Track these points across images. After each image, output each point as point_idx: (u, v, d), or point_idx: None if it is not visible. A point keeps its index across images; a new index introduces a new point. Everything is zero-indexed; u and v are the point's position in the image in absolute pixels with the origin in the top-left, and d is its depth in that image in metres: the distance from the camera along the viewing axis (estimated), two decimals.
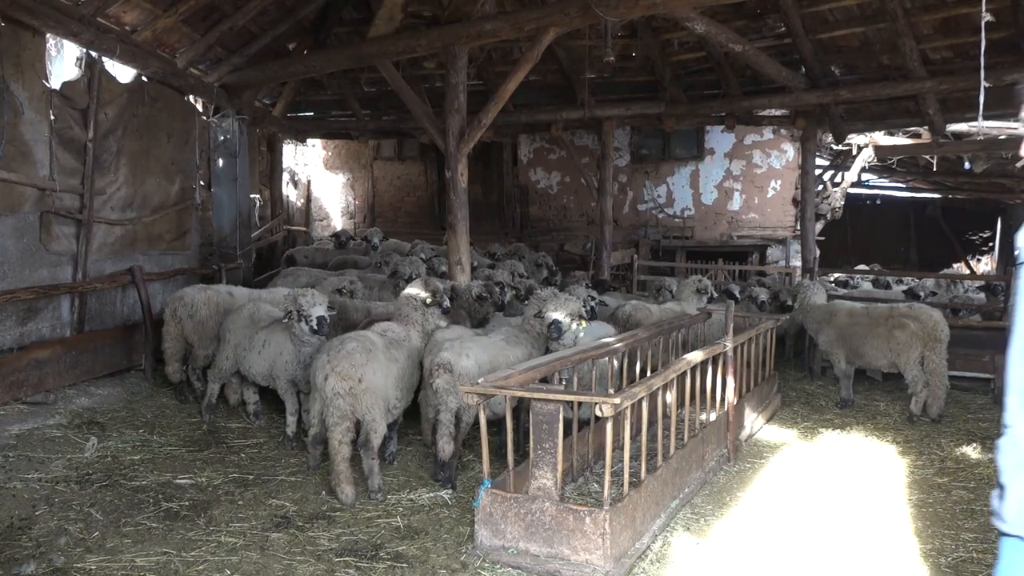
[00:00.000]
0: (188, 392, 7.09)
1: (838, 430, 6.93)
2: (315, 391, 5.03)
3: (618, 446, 4.65)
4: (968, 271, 18.26)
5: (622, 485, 4.24)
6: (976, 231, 19.12)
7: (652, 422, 5.10)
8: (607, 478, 4.04)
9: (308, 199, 18.74)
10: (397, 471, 5.53)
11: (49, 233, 7.31)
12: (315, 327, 5.61)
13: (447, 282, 7.32)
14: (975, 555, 4.31)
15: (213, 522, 4.48)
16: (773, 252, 14.56)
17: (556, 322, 5.67)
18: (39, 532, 4.23)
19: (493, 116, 7.87)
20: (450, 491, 5.11)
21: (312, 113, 14.62)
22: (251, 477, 5.27)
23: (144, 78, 8.71)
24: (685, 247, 15.01)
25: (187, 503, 4.75)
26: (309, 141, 17.22)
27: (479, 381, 4.33)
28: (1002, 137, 11.60)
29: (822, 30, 10.12)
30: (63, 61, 8.86)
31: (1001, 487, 2.06)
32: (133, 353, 7.55)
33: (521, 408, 5.51)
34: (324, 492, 5.04)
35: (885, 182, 17.97)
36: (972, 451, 6.18)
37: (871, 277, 12.57)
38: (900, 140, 13.74)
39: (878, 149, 14.26)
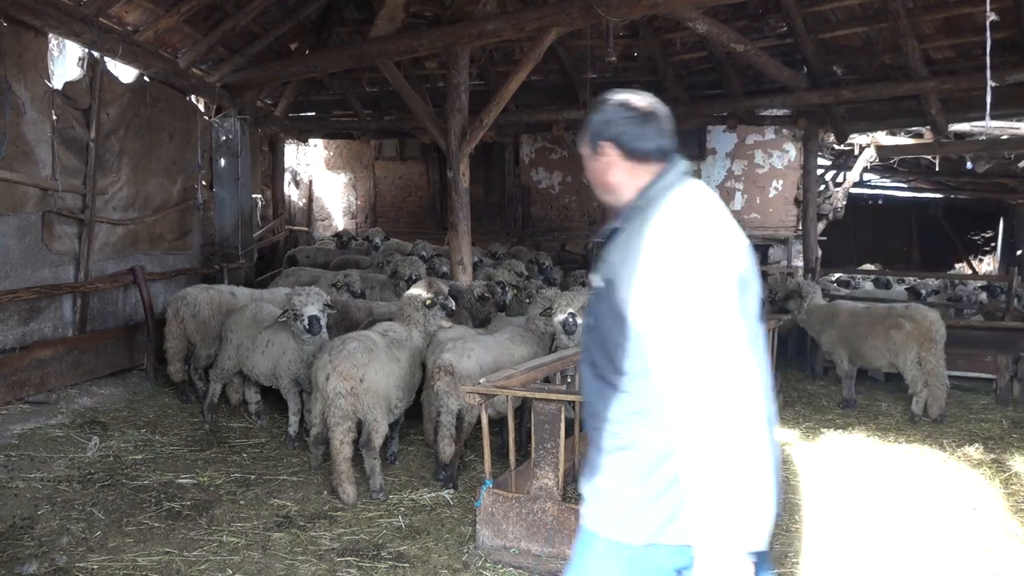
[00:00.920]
0: (190, 392, 7.09)
1: (840, 430, 6.93)
2: (317, 391, 5.03)
3: None
4: (970, 271, 18.23)
5: None
6: (978, 231, 19.10)
7: None
8: None
9: (310, 199, 18.75)
10: (399, 471, 5.54)
11: (51, 233, 7.32)
12: (306, 326, 5.60)
13: (449, 282, 7.33)
14: (978, 556, 4.31)
15: (215, 522, 4.49)
16: (775, 252, 14.55)
17: (572, 315, 5.66)
18: (41, 531, 4.24)
19: (495, 116, 7.87)
20: (452, 491, 5.12)
21: (314, 113, 14.63)
22: (253, 477, 5.27)
23: (146, 78, 8.71)
24: None
25: (189, 503, 4.76)
26: (311, 141, 17.23)
27: (481, 381, 4.33)
28: (1005, 137, 11.60)
29: (824, 30, 10.11)
30: (65, 61, 8.87)
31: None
32: (135, 353, 7.55)
33: (524, 408, 5.51)
34: (326, 492, 5.04)
35: (887, 182, 17.94)
36: (974, 452, 6.17)
37: (872, 277, 12.54)
38: (902, 140, 13.73)
39: (880, 149, 14.24)
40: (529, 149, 16.39)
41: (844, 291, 10.65)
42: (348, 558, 4.09)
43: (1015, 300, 9.04)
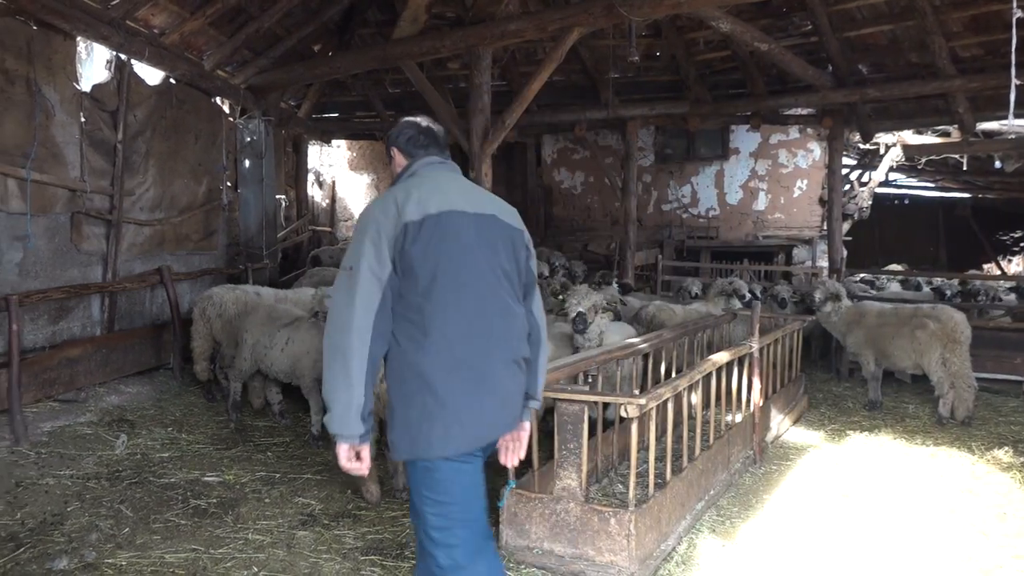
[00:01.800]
0: (216, 391, 7.17)
1: (866, 432, 6.86)
2: None
3: (643, 447, 4.63)
4: (999, 272, 17.98)
5: (647, 486, 4.22)
6: (1007, 231, 18.83)
7: (677, 423, 5.08)
8: (632, 479, 4.03)
9: (333, 199, 18.85)
10: None
11: (80, 233, 7.43)
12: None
13: None
14: (1007, 560, 4.25)
15: (240, 520, 4.53)
16: (799, 252, 14.43)
17: (580, 314, 5.71)
18: (71, 528, 4.30)
19: (517, 116, 7.87)
20: None
21: (337, 114, 14.72)
22: (277, 475, 5.31)
23: (172, 80, 8.82)
24: (710, 247, 14.92)
25: (215, 500, 4.81)
26: (334, 142, 17.33)
27: None
28: None
29: (849, 28, 10.02)
30: (93, 64, 9.00)
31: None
32: (162, 352, 7.64)
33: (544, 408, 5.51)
34: (350, 491, 5.07)
35: (914, 181, 17.76)
36: (1003, 455, 6.09)
37: (899, 277, 12.41)
38: (929, 139, 13.58)
39: (906, 148, 14.10)
40: (551, 149, 16.38)
41: (871, 292, 10.54)
42: (372, 557, 4.10)
43: None
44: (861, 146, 14.51)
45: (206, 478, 5.19)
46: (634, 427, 4.02)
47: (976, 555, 4.32)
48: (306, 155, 15.10)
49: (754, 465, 5.79)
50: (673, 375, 5.90)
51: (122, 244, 7.93)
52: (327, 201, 18.67)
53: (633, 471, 4.03)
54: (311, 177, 16.50)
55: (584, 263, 12.89)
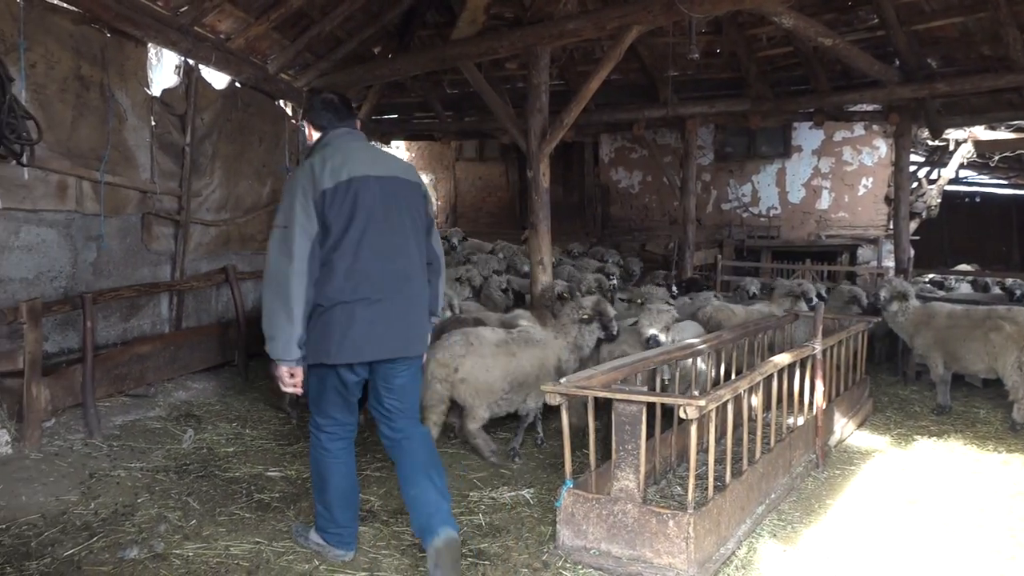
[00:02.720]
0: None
1: (934, 438, 6.66)
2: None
3: (702, 449, 4.59)
4: None
5: (706, 489, 4.17)
6: None
7: (737, 425, 5.01)
8: (691, 481, 3.98)
9: None
10: (480, 467, 5.58)
11: (150, 234, 7.67)
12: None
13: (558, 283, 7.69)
14: None
15: (302, 514, 4.61)
16: (864, 252, 14.09)
17: (654, 337, 5.92)
18: (141, 519, 4.44)
19: (575, 116, 7.84)
20: (531, 490, 5.12)
21: (396, 115, 14.88)
22: None
23: (237, 84, 9.03)
24: (771, 247, 14.67)
25: (277, 495, 4.91)
26: (393, 143, 17.53)
27: (562, 381, 4.34)
28: None
29: (918, 21, 9.73)
30: (162, 69, 9.27)
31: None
32: (227, 349, 7.83)
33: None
34: None
35: (985, 179, 17.18)
36: None
37: (969, 278, 12.01)
38: (1002, 135, 13.11)
39: (978, 144, 13.66)
40: (609, 148, 16.30)
41: (940, 292, 10.22)
42: None
43: None
44: (930, 142, 14.08)
45: (269, 473, 5.30)
46: (693, 429, 3.98)
47: None
48: None
49: (817, 469, 5.67)
50: (733, 376, 5.82)
51: (189, 244, 8.15)
52: None
53: (692, 473, 3.99)
54: None
55: (641, 261, 12.81)
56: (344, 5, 9.29)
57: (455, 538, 3.69)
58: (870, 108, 12.22)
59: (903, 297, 7.77)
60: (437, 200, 19.11)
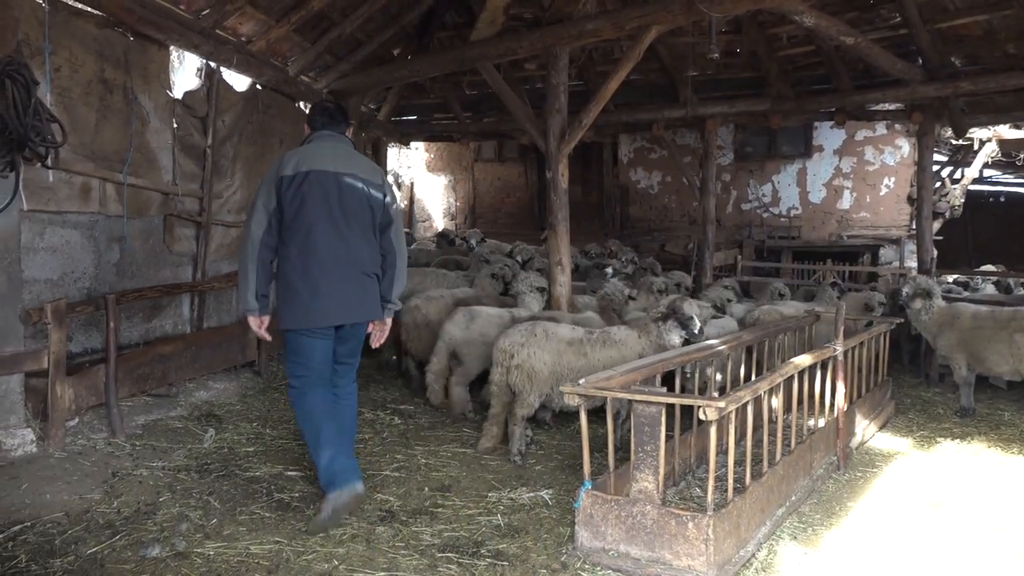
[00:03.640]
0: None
1: (958, 440, 6.59)
2: None
3: (722, 451, 4.56)
4: None
5: (726, 491, 4.15)
6: None
7: (757, 427, 4.98)
8: (711, 483, 3.97)
9: (411, 200, 19.13)
10: (498, 468, 5.58)
11: (172, 235, 7.73)
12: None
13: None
14: None
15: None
16: (886, 253, 13.96)
17: (692, 320, 5.90)
18: (163, 517, 4.48)
19: (594, 116, 7.82)
20: (549, 491, 5.12)
21: (415, 117, 14.94)
22: None
23: (258, 86, 9.09)
24: (791, 247, 14.57)
25: (297, 495, 4.94)
26: (412, 144, 17.60)
27: (580, 382, 4.33)
28: None
29: (941, 19, 9.61)
30: (184, 72, 9.36)
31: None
32: (247, 349, 7.88)
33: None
34: (427, 488, 5.14)
35: (1010, 178, 16.95)
36: None
37: (993, 279, 11.86)
38: None
39: (1003, 143, 13.48)
40: (628, 149, 16.26)
41: (965, 293, 10.10)
42: (448, 554, 4.15)
43: None
44: (953, 142, 13.92)
45: (289, 472, 5.33)
46: (713, 430, 3.96)
47: None
48: (385, 157, 15.36)
49: (838, 471, 5.63)
50: (753, 377, 5.79)
51: (211, 245, 8.21)
52: (405, 202, 18.97)
53: (712, 475, 3.97)
54: (390, 178, 16.77)
55: (659, 262, 12.76)
56: (364, 7, 9.33)
57: (361, 491, 4.52)
58: (892, 107, 12.08)
59: (927, 295, 7.68)
60: (456, 201, 19.16)
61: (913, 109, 11.36)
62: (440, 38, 11.87)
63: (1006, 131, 13.07)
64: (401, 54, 11.52)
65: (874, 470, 5.78)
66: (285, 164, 4.44)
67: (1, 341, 5.11)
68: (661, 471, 4.03)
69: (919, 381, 8.84)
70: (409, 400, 7.47)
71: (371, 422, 6.70)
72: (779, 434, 4.88)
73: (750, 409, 4.44)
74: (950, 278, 11.55)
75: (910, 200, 13.68)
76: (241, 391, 7.32)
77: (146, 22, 6.87)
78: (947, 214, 14.27)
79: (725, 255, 13.72)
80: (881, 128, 13.98)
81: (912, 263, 12.67)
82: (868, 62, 10.22)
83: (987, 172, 15.52)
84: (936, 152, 13.38)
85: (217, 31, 7.97)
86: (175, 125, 7.68)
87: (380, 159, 14.87)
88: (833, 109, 11.89)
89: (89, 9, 6.47)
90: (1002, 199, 18.50)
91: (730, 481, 4.14)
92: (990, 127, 12.78)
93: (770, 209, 14.99)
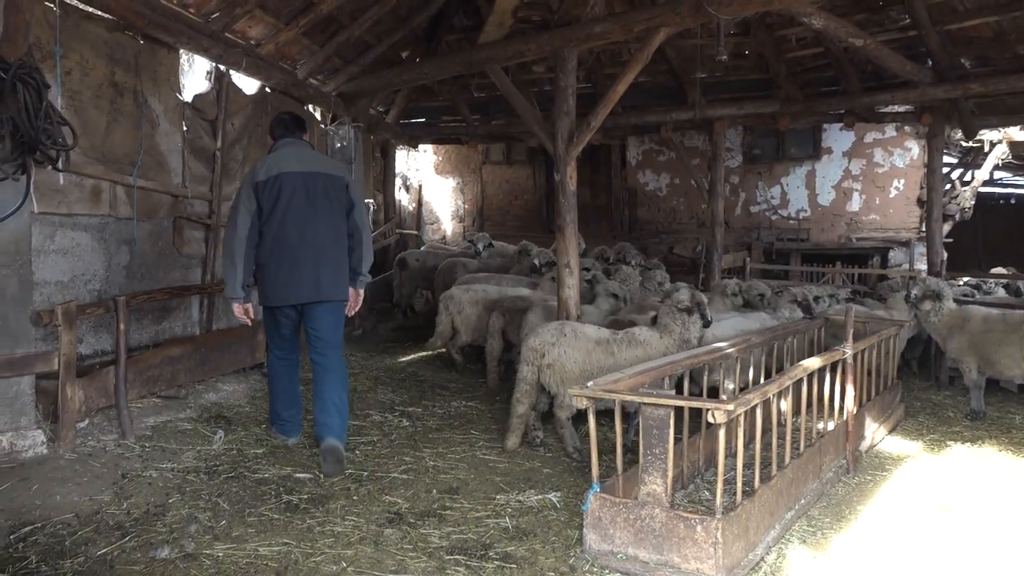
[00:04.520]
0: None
1: (968, 443, 6.55)
2: None
3: (730, 454, 4.55)
4: None
5: (734, 494, 4.14)
6: None
7: (766, 430, 4.96)
8: (719, 486, 3.96)
9: (419, 203, 19.14)
10: (506, 470, 5.58)
11: (181, 237, 7.77)
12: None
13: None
14: None
15: (330, 516, 4.65)
16: (896, 255, 13.90)
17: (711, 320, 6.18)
18: (172, 519, 4.49)
19: (602, 119, 7.81)
20: (557, 493, 5.12)
21: (424, 119, 14.95)
22: (365, 474, 5.43)
23: (267, 89, 9.13)
24: (800, 250, 14.52)
25: (306, 497, 4.95)
26: (420, 146, 17.60)
27: (588, 385, 4.33)
28: None
29: (950, 21, 9.56)
30: (193, 75, 9.40)
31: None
32: (256, 351, 7.90)
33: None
34: (435, 491, 5.15)
35: (1021, 180, 16.86)
36: None
37: (1003, 281, 11.79)
38: None
39: (1013, 145, 13.41)
40: (636, 151, 16.25)
41: (977, 295, 10.04)
42: (456, 556, 4.15)
43: None
44: (963, 144, 13.84)
45: (297, 475, 5.34)
46: (721, 433, 3.95)
47: None
48: (394, 160, 15.40)
49: (847, 475, 5.61)
50: (762, 380, 5.77)
51: (220, 247, 8.23)
52: (414, 205, 18.98)
53: (720, 478, 3.97)
54: (398, 181, 16.81)
55: (667, 264, 12.71)
56: (373, 10, 9.36)
57: (339, 446, 5.36)
58: (902, 109, 12.03)
59: (936, 296, 7.64)
60: (464, 204, 19.17)
61: (923, 111, 11.30)
62: (448, 41, 11.89)
63: (1017, 133, 12.98)
64: (409, 57, 11.54)
65: (884, 473, 5.75)
66: (258, 171, 5.36)
67: (12, 343, 5.14)
68: (670, 474, 4.02)
69: (929, 384, 8.80)
70: (417, 403, 7.48)
71: (379, 424, 6.70)
72: (788, 437, 4.86)
73: (759, 412, 4.43)
74: (960, 280, 11.49)
75: (920, 202, 13.62)
76: (250, 393, 7.33)
77: (156, 25, 6.91)
78: (957, 216, 14.20)
79: (734, 257, 13.68)
80: (890, 130, 13.93)
81: (922, 266, 12.61)
82: (877, 64, 10.19)
83: (997, 174, 15.42)
84: (946, 154, 13.30)
85: (226, 34, 8.00)
86: (185, 128, 7.72)
87: (389, 161, 14.93)
88: (842, 111, 11.84)
89: (100, 13, 6.51)
90: (1012, 201, 18.39)
91: (739, 484, 4.13)
92: (1000, 129, 12.70)
93: (779, 211, 14.95)
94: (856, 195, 14.35)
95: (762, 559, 4.16)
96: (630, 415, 5.76)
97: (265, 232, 5.31)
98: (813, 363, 5.19)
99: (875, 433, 6.47)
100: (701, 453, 5.35)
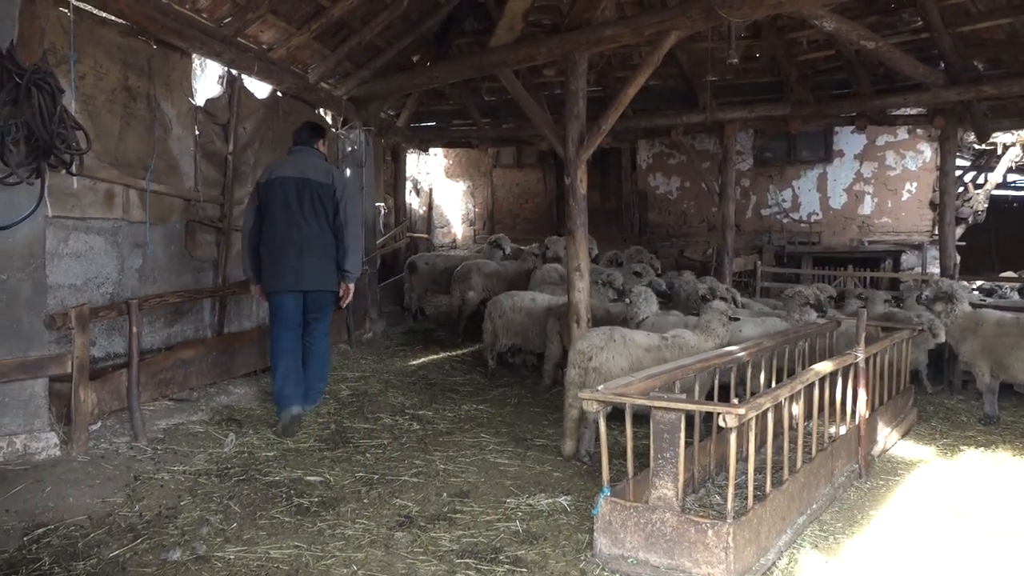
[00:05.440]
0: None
1: (981, 448, 6.51)
2: None
3: (742, 458, 4.54)
4: None
5: (746, 498, 4.13)
6: None
7: (777, 434, 4.95)
8: (730, 490, 3.94)
9: (430, 207, 19.18)
10: (517, 474, 5.58)
11: (194, 241, 7.80)
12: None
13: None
14: None
15: (341, 519, 4.66)
16: (908, 258, 13.84)
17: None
18: (184, 521, 4.51)
19: (613, 122, 7.81)
20: (568, 497, 5.11)
21: (434, 123, 14.98)
22: (376, 477, 5.44)
23: (279, 93, 9.17)
24: (812, 253, 14.47)
25: (316, 499, 4.96)
26: (431, 150, 17.64)
27: (599, 388, 4.32)
28: None
29: (963, 23, 9.52)
30: (205, 79, 9.44)
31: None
32: (266, 355, 7.92)
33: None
34: (445, 494, 5.15)
35: None
36: None
37: (1018, 285, 11.70)
38: None
39: None
40: (646, 154, 16.24)
41: (989, 300, 9.98)
42: (467, 560, 4.15)
43: None
44: (976, 146, 13.79)
45: (308, 477, 5.35)
46: (732, 437, 3.94)
47: None
48: (404, 163, 15.42)
49: (859, 479, 5.58)
50: (774, 384, 5.75)
51: (231, 251, 8.26)
52: (424, 208, 19.03)
53: (731, 482, 3.95)
54: (409, 185, 16.85)
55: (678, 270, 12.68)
56: (384, 14, 9.39)
57: (299, 413, 6.34)
58: (914, 112, 11.98)
59: (948, 298, 7.58)
60: (474, 207, 19.20)
61: (935, 113, 11.26)
62: (459, 44, 11.91)
63: None
64: (420, 61, 11.56)
65: (896, 478, 5.72)
66: (263, 174, 6.35)
67: (26, 345, 5.18)
68: (680, 478, 4.01)
69: (942, 388, 8.75)
70: (428, 406, 7.48)
71: (390, 427, 6.71)
72: (800, 441, 4.84)
73: (770, 416, 4.41)
74: (974, 284, 11.42)
75: (932, 205, 13.56)
76: (261, 396, 7.36)
77: (169, 30, 6.95)
78: (970, 219, 14.14)
79: (745, 261, 13.65)
80: (903, 133, 13.87)
81: (935, 269, 12.55)
82: (889, 66, 10.15)
83: (1011, 177, 15.37)
84: (959, 157, 13.26)
85: (239, 39, 8.04)
86: (197, 132, 7.76)
87: (399, 165, 14.96)
88: (854, 114, 11.80)
89: (113, 18, 6.55)
90: None
91: (750, 488, 4.12)
92: (1014, 131, 12.66)
93: (790, 215, 14.91)
94: (868, 198, 14.30)
95: (774, 564, 4.14)
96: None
97: (264, 230, 6.24)
98: (824, 367, 5.17)
99: (887, 437, 6.44)
100: (712, 457, 5.34)
